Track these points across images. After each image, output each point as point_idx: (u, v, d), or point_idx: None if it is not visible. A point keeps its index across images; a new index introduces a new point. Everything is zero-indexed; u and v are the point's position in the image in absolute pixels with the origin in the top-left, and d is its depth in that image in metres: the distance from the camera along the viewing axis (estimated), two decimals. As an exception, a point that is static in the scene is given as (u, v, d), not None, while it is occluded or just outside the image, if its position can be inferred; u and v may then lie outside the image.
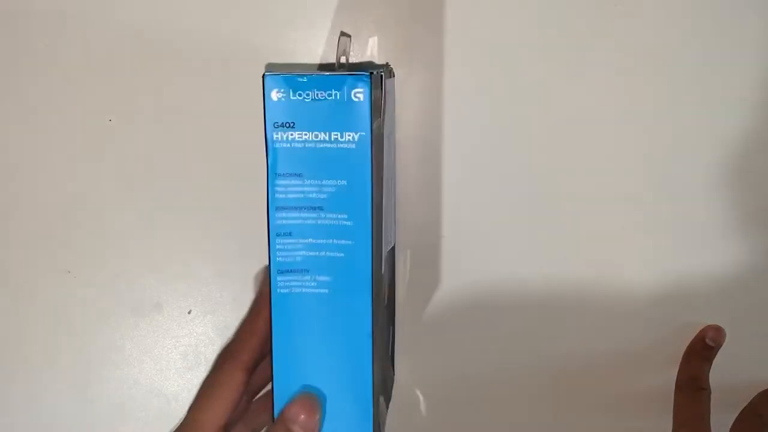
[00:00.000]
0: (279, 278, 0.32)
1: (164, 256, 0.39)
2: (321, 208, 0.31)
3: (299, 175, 0.31)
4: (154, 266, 0.39)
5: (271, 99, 0.31)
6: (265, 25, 0.38)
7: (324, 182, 0.31)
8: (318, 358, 0.32)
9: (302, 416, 0.31)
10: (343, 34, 0.38)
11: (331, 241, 0.31)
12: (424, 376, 0.42)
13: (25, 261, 0.39)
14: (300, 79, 0.31)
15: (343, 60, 0.36)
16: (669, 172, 0.43)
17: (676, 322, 0.44)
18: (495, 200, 0.42)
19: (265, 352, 0.33)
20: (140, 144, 0.38)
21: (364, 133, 0.30)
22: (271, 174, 0.31)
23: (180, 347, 0.41)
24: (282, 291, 0.32)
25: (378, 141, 0.31)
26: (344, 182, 0.31)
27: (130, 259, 0.39)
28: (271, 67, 0.36)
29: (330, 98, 0.31)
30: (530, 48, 0.40)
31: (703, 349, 0.43)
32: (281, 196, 0.31)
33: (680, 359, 0.44)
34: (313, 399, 0.32)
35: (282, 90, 0.31)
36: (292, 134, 0.31)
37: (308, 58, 0.38)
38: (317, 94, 0.31)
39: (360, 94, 0.30)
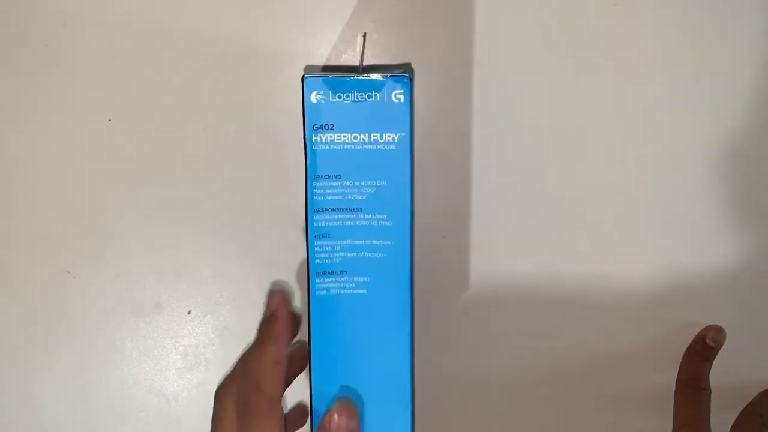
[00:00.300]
0: (317, 280, 0.32)
1: (164, 256, 0.39)
2: (360, 209, 0.31)
3: (338, 177, 0.31)
4: (154, 266, 0.39)
5: (310, 101, 0.31)
6: (266, 25, 0.38)
7: (363, 183, 0.31)
8: (356, 360, 0.32)
9: (343, 422, 0.31)
10: (363, 34, 0.38)
11: (369, 241, 0.31)
12: (423, 376, 0.42)
13: (25, 261, 0.39)
14: (340, 81, 0.31)
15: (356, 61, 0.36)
16: (670, 171, 0.43)
17: (676, 322, 0.44)
18: (494, 200, 0.42)
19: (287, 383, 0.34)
20: (140, 144, 0.38)
21: (404, 134, 0.31)
22: (310, 176, 0.31)
23: (180, 347, 0.41)
24: (320, 293, 0.32)
25: (412, 142, 0.32)
26: (384, 183, 0.31)
27: (130, 259, 0.39)
28: (309, 70, 0.36)
29: (370, 99, 0.31)
30: (529, 48, 0.40)
31: (703, 349, 0.43)
32: (320, 198, 0.31)
33: (680, 359, 0.44)
34: (350, 404, 0.32)
35: (321, 92, 0.31)
36: (331, 136, 0.31)
37: (310, 59, 0.38)
38: (357, 96, 0.31)
39: (400, 95, 0.31)
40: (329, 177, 0.31)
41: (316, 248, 0.32)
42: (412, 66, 0.39)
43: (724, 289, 0.44)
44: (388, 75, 0.31)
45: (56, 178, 0.38)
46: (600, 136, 0.42)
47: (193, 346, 0.41)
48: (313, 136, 0.31)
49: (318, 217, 0.32)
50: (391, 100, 0.31)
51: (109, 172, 0.38)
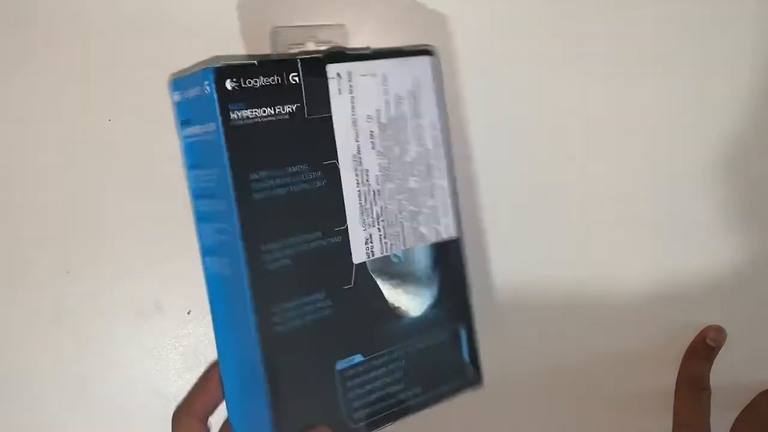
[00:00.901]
0: (205, 258, 0.35)
1: (164, 256, 0.39)
2: (212, 196, 0.33)
3: (198, 166, 0.34)
4: (154, 266, 0.39)
5: (173, 101, 0.35)
6: (265, 24, 0.38)
7: (208, 171, 0.33)
8: (229, 345, 0.35)
9: None
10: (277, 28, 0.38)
11: (220, 225, 0.33)
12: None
13: (25, 261, 0.39)
14: (178, 81, 0.34)
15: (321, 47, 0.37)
16: (670, 172, 0.43)
17: (677, 323, 0.44)
18: (493, 201, 0.42)
19: (216, 404, 0.37)
20: (140, 144, 0.38)
21: (214, 123, 0.32)
22: (186, 166, 0.34)
23: (180, 347, 0.41)
24: (208, 271, 0.35)
25: (254, 128, 0.32)
26: (215, 170, 0.33)
27: (130, 259, 0.39)
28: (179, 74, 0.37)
29: (196, 94, 0.33)
30: (529, 48, 0.40)
31: (703, 350, 0.43)
32: (194, 185, 0.34)
33: (681, 359, 0.44)
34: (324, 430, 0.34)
35: (176, 92, 0.34)
36: (191, 129, 0.34)
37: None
38: (190, 93, 0.33)
39: (207, 86, 0.32)
40: (193, 167, 0.34)
41: (199, 230, 0.35)
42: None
43: (725, 289, 0.44)
44: (201, 68, 0.32)
45: (56, 178, 0.38)
46: (597, 136, 0.42)
47: (193, 346, 0.41)
48: (181, 131, 0.35)
49: (197, 203, 0.35)
50: (203, 92, 0.32)
51: (109, 172, 0.38)
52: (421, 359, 0.38)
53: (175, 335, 0.41)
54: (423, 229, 0.38)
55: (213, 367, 0.38)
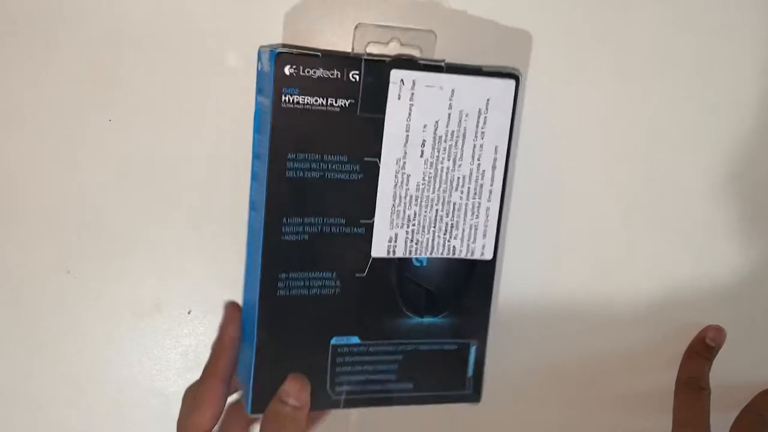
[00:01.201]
0: (250, 212, 0.38)
1: (164, 256, 0.39)
2: (258, 158, 0.36)
3: (258, 131, 0.37)
4: (154, 266, 0.39)
5: (257, 69, 0.37)
6: (275, 26, 0.38)
7: (260, 138, 0.36)
8: (246, 295, 0.39)
9: (294, 390, 0.36)
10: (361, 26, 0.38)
11: (258, 188, 0.36)
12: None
13: (25, 261, 0.39)
14: (261, 53, 0.36)
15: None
16: (669, 174, 0.43)
17: (677, 323, 0.44)
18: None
19: (234, 363, 0.38)
20: (140, 144, 0.38)
21: (269, 99, 0.34)
22: (253, 129, 0.37)
23: (180, 347, 0.41)
24: (249, 223, 0.38)
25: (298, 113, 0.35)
26: (263, 139, 0.35)
27: (130, 259, 0.39)
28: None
29: (264, 70, 0.35)
30: (529, 47, 0.40)
31: (703, 350, 0.43)
32: (254, 146, 0.37)
33: (680, 359, 0.44)
34: (301, 377, 0.37)
35: (259, 62, 0.37)
36: (260, 98, 0.36)
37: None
38: (264, 67, 0.36)
39: (269, 66, 0.34)
40: (256, 131, 0.37)
41: (250, 186, 0.37)
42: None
43: (725, 290, 0.44)
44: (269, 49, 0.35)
45: (56, 178, 0.38)
46: (600, 138, 0.42)
47: (193, 346, 0.41)
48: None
49: (253, 162, 0.37)
50: (263, 69, 0.35)
51: (109, 172, 0.38)
52: (422, 361, 0.39)
53: (175, 335, 0.41)
54: (455, 243, 0.38)
55: (225, 327, 0.39)
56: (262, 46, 0.37)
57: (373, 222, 0.37)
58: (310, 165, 0.35)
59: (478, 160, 0.38)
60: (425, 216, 0.37)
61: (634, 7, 0.41)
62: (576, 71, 0.41)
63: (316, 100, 0.35)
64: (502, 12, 0.39)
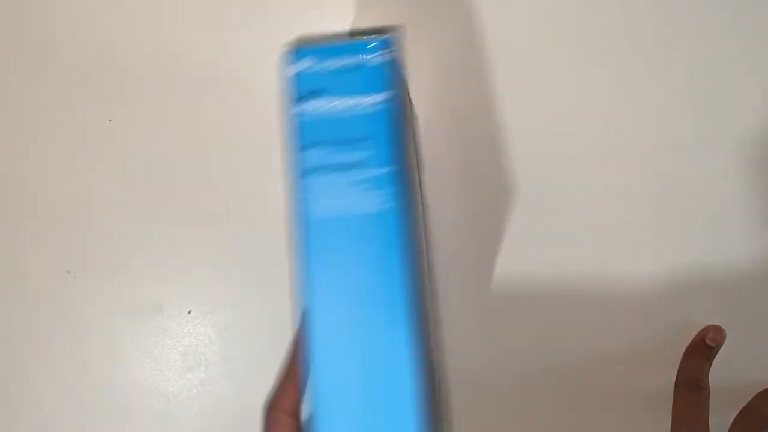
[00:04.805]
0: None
1: (164, 256, 0.39)
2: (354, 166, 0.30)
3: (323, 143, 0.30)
4: (154, 266, 0.39)
5: (294, 73, 0.31)
6: (267, 29, 0.38)
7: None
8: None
9: None
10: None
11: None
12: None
13: (25, 261, 0.39)
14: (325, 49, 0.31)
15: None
16: (672, 170, 0.43)
17: (677, 322, 0.44)
18: (497, 196, 0.42)
19: (302, 396, 0.33)
20: (140, 144, 0.38)
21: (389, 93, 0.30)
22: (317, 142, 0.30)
23: (180, 347, 0.41)
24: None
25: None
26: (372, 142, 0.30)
27: (130, 259, 0.39)
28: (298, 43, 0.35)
29: (354, 64, 0.31)
30: (532, 47, 0.40)
31: (703, 349, 0.43)
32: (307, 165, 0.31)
33: (680, 359, 0.44)
34: None
35: (307, 62, 0.31)
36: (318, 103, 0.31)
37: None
38: (342, 62, 0.31)
39: (378, 57, 0.30)
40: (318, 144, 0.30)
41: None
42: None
43: (725, 289, 0.44)
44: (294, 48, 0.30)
45: (56, 178, 0.38)
46: (603, 133, 0.42)
47: (193, 346, 0.41)
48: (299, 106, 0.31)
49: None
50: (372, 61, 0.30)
51: (109, 172, 0.38)
52: None
53: (175, 335, 0.41)
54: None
55: (293, 359, 0.34)
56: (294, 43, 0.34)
57: None
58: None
59: None
60: None
61: (632, 6, 0.41)
62: (576, 64, 0.41)
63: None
64: None
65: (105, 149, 0.38)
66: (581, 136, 0.42)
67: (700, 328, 0.44)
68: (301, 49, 0.31)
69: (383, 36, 0.30)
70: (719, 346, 0.43)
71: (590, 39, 0.41)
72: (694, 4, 0.41)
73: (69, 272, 0.39)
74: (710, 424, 0.40)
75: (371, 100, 0.30)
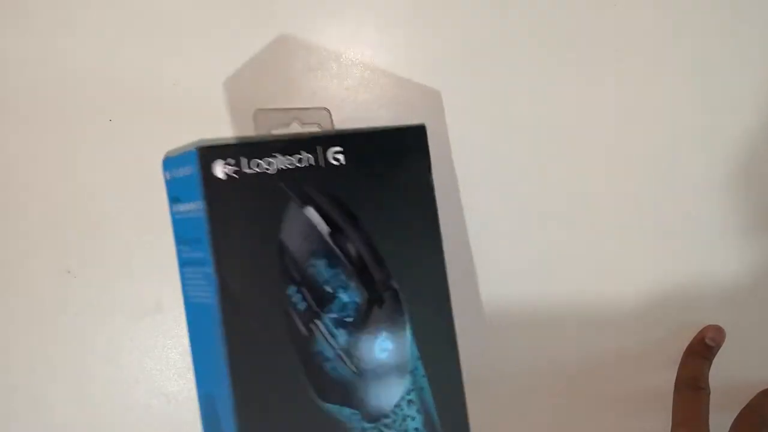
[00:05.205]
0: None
1: (164, 256, 0.39)
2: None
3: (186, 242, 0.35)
4: (154, 266, 0.39)
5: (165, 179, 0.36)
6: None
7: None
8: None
9: None
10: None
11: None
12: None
13: (25, 261, 0.39)
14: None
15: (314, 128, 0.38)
16: (670, 173, 0.43)
17: (676, 323, 0.44)
18: (495, 200, 0.42)
19: None
20: (140, 144, 0.38)
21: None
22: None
23: (180, 347, 0.41)
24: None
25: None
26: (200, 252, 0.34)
27: (130, 259, 0.39)
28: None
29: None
30: (530, 47, 0.40)
31: (702, 349, 0.43)
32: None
33: (680, 359, 0.44)
34: None
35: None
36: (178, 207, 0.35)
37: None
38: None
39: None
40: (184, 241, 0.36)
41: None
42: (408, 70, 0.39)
43: (724, 289, 0.44)
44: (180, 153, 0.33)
45: (56, 178, 0.38)
46: (600, 138, 0.42)
47: (193, 346, 0.41)
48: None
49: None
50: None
51: (109, 172, 0.38)
52: None
53: (175, 335, 0.41)
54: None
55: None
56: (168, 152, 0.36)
57: None
58: None
59: None
60: None
61: (632, 7, 0.41)
62: (574, 69, 0.41)
63: None
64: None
65: (105, 149, 0.38)
66: (579, 142, 0.42)
67: (700, 328, 0.44)
68: (168, 158, 0.35)
69: (193, 150, 0.32)
70: (719, 346, 0.43)
71: (590, 39, 0.41)
72: (694, 4, 0.41)
73: (69, 272, 0.39)
74: (710, 424, 0.40)
75: (197, 207, 0.33)
